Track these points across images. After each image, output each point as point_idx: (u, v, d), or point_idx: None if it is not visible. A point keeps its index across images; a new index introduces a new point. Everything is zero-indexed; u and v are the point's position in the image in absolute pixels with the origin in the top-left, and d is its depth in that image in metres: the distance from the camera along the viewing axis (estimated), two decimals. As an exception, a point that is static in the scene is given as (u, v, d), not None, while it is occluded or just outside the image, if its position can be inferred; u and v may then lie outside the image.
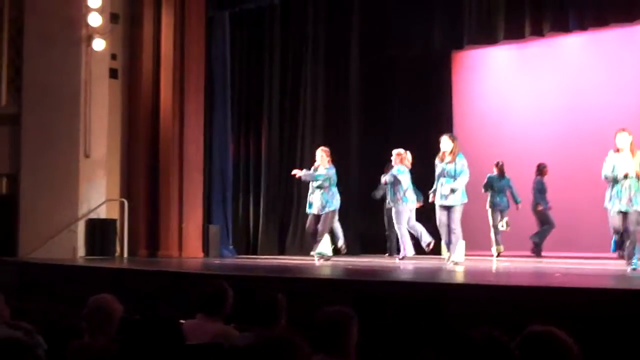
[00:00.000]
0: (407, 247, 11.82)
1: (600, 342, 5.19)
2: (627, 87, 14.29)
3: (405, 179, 12.00)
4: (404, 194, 11.91)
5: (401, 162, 12.17)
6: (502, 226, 13.42)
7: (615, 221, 8.97)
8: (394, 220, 12.16)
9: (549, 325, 2.73)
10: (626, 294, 6.27)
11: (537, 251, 13.31)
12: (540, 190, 13.55)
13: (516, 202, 13.66)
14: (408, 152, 12.32)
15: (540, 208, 13.44)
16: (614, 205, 8.95)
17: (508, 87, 15.74)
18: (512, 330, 2.61)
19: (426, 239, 11.78)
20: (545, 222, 13.49)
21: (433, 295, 6.88)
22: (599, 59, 14.87)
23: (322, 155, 12.29)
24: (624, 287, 7.09)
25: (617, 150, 8.94)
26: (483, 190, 13.62)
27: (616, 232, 9.03)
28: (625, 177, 8.81)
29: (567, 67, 15.14)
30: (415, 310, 6.69)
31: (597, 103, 14.50)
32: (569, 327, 2.85)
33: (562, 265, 10.66)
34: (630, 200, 8.84)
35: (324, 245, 12.23)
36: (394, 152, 12.20)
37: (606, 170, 9.03)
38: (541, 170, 13.66)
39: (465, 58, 16.25)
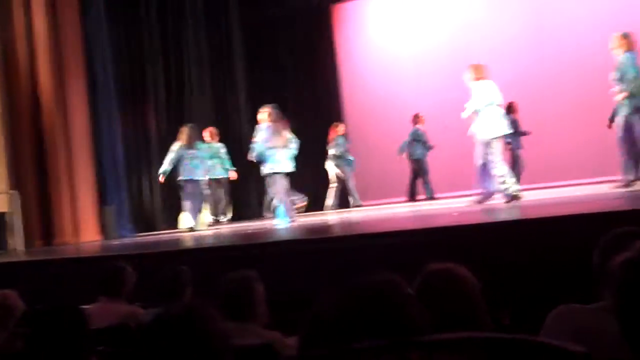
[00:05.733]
0: None
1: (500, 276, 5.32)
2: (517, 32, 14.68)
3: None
4: None
5: None
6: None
7: None
8: None
9: (447, 263, 2.77)
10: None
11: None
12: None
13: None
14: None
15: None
16: None
17: (392, 36, 15.83)
18: (413, 273, 2.64)
19: None
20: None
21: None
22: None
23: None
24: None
25: None
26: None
27: None
28: None
29: (449, 6, 15.30)
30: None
31: (480, 42, 14.66)
32: (468, 263, 2.89)
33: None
34: None
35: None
36: None
37: None
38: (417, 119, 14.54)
39: (345, 10, 16.26)
